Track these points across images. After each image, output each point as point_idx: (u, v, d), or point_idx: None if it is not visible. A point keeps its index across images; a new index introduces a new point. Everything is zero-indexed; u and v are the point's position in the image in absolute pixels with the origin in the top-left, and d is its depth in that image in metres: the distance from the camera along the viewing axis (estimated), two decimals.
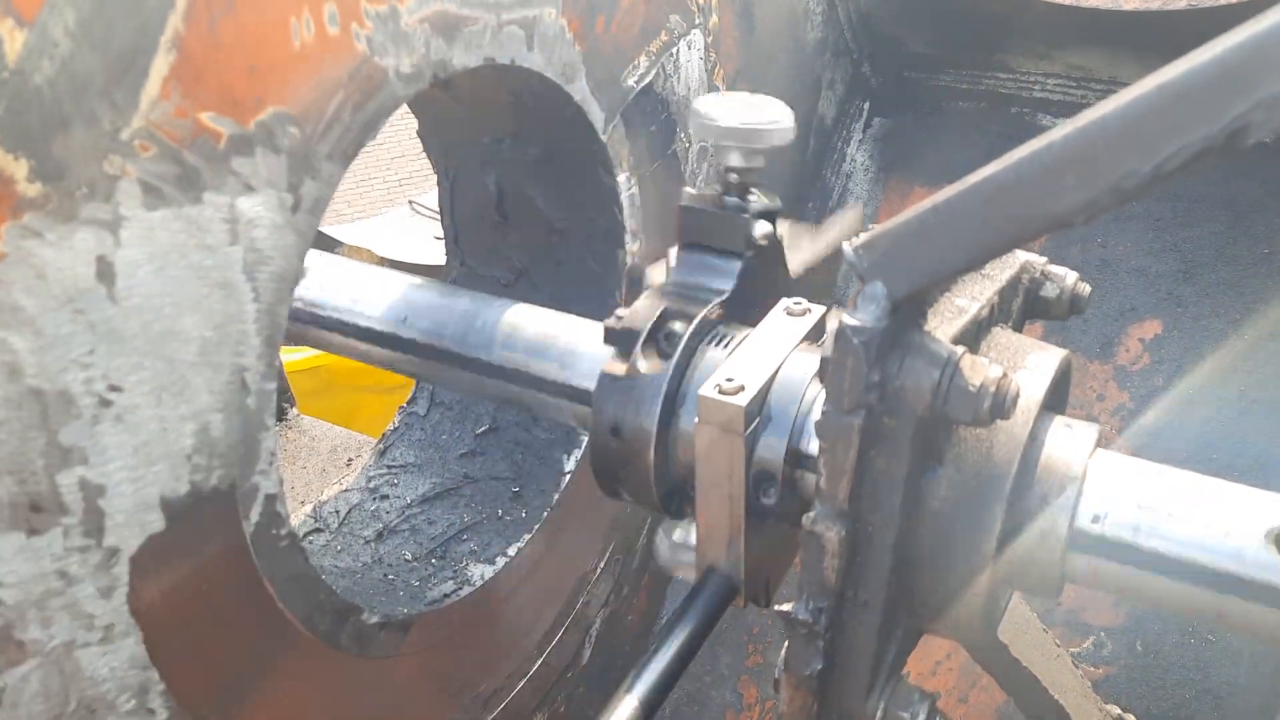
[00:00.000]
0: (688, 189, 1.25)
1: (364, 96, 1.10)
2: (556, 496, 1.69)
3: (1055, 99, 2.16)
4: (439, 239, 1.87)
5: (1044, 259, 1.15)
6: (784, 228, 1.29)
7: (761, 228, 1.22)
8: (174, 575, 1.03)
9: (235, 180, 0.98)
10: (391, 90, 1.13)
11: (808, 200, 2.30)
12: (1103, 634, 1.80)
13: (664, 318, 1.16)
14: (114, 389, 0.92)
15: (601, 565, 1.84)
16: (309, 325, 1.39)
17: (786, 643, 1.01)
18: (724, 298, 1.19)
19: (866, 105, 2.34)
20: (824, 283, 1.40)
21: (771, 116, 1.18)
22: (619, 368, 1.14)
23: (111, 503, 0.95)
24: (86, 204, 0.86)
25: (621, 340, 1.15)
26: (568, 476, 1.71)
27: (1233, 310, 1.91)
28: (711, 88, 1.79)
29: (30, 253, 0.83)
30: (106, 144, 0.86)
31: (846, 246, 0.91)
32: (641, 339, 1.14)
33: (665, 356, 1.14)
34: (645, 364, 1.13)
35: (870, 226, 0.93)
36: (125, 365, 0.93)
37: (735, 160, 1.20)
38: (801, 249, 1.34)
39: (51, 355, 0.87)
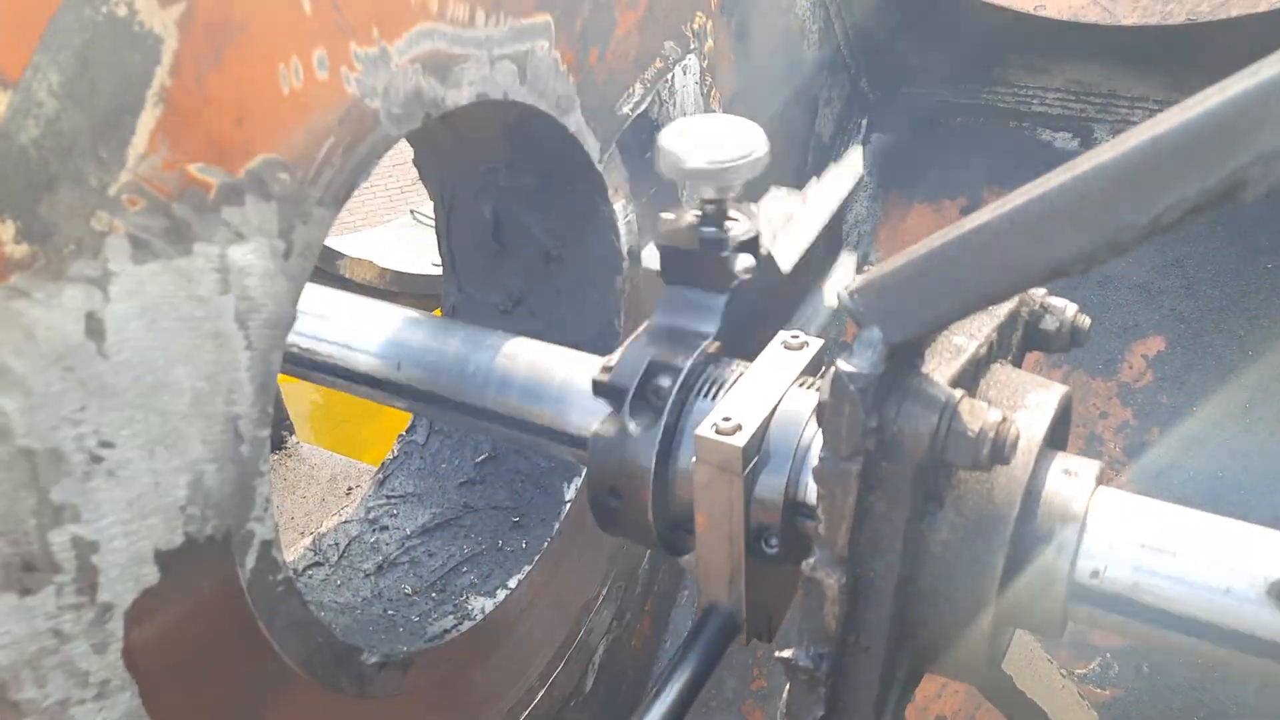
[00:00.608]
0: (665, 216, 1.22)
1: (355, 139, 1.09)
2: (557, 525, 1.68)
3: (1055, 113, 2.15)
4: (438, 265, 1.86)
5: (1043, 290, 1.14)
6: (774, 204, 1.25)
7: (742, 262, 1.20)
8: (169, 626, 1.02)
9: (226, 230, 0.97)
10: (383, 132, 1.12)
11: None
12: (1109, 655, 1.79)
13: (650, 371, 1.14)
14: (105, 445, 0.92)
15: (604, 592, 1.83)
16: (303, 367, 1.38)
17: (788, 688, 1.00)
18: (711, 338, 1.18)
19: (864, 121, 2.33)
20: (826, 252, 1.35)
21: (742, 149, 1.15)
22: (610, 428, 1.13)
23: (105, 558, 0.94)
24: (74, 261, 0.86)
25: (610, 394, 1.15)
26: (568, 505, 1.70)
27: (1236, 326, 1.90)
28: (708, 110, 1.78)
29: (18, 313, 0.83)
30: (94, 201, 0.86)
31: (842, 292, 0.90)
32: (629, 397, 1.13)
33: (655, 411, 1.13)
34: (635, 423, 1.12)
35: (870, 260, 0.92)
36: (117, 420, 0.92)
37: (709, 194, 1.18)
38: (795, 232, 1.30)
39: (41, 414, 0.86)
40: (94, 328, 0.88)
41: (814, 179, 1.36)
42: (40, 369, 0.85)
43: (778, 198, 1.28)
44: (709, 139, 1.14)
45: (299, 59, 1.01)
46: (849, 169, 1.42)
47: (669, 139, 1.15)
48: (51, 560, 0.89)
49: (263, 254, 1.02)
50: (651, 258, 1.27)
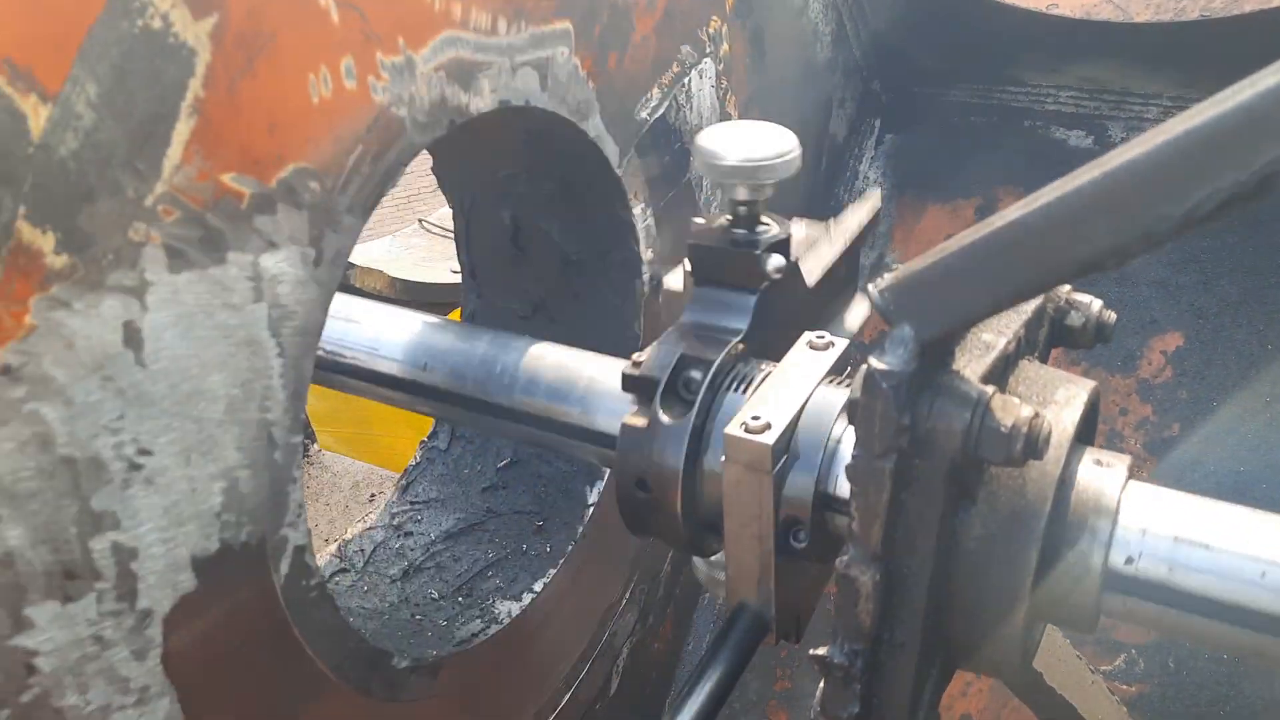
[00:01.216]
0: (696, 221, 1.24)
1: (382, 147, 1.10)
2: (581, 529, 1.69)
3: (1068, 111, 2.15)
4: (456, 272, 1.87)
5: (1068, 286, 1.14)
6: (799, 231, 1.28)
7: (774, 261, 1.21)
8: (206, 632, 1.03)
9: (258, 238, 0.98)
10: (409, 139, 1.13)
11: (821, 219, 2.30)
12: (1134, 652, 1.78)
13: (681, 364, 1.15)
14: (143, 452, 0.93)
15: (627, 595, 1.84)
16: (329, 372, 1.39)
17: (823, 685, 1.01)
18: (741, 336, 1.19)
19: (878, 122, 2.33)
20: (847, 278, 1.39)
21: (777, 148, 1.17)
22: (640, 420, 1.13)
23: (143, 565, 0.95)
24: (113, 272, 0.87)
25: (640, 388, 1.15)
26: (591, 509, 1.70)
27: (1255, 320, 1.89)
28: (724, 115, 1.79)
29: (59, 323, 0.84)
30: (131, 211, 0.87)
31: (871, 289, 0.90)
32: (660, 389, 1.13)
33: (685, 404, 1.14)
34: (666, 415, 1.13)
35: (888, 260, 0.93)
36: (154, 428, 0.93)
37: (742, 194, 1.19)
38: (818, 252, 1.33)
39: (82, 423, 0.87)
40: (132, 337, 0.89)
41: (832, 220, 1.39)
42: (80, 378, 0.86)
43: (801, 225, 1.30)
44: (744, 140, 1.16)
45: (328, 68, 1.02)
46: (868, 204, 1.44)
47: (706, 139, 1.17)
48: (92, 567, 0.90)
49: (294, 262, 1.03)
50: (675, 278, 1.28)
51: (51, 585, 0.87)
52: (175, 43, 0.88)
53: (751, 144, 1.16)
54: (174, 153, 0.89)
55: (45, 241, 0.81)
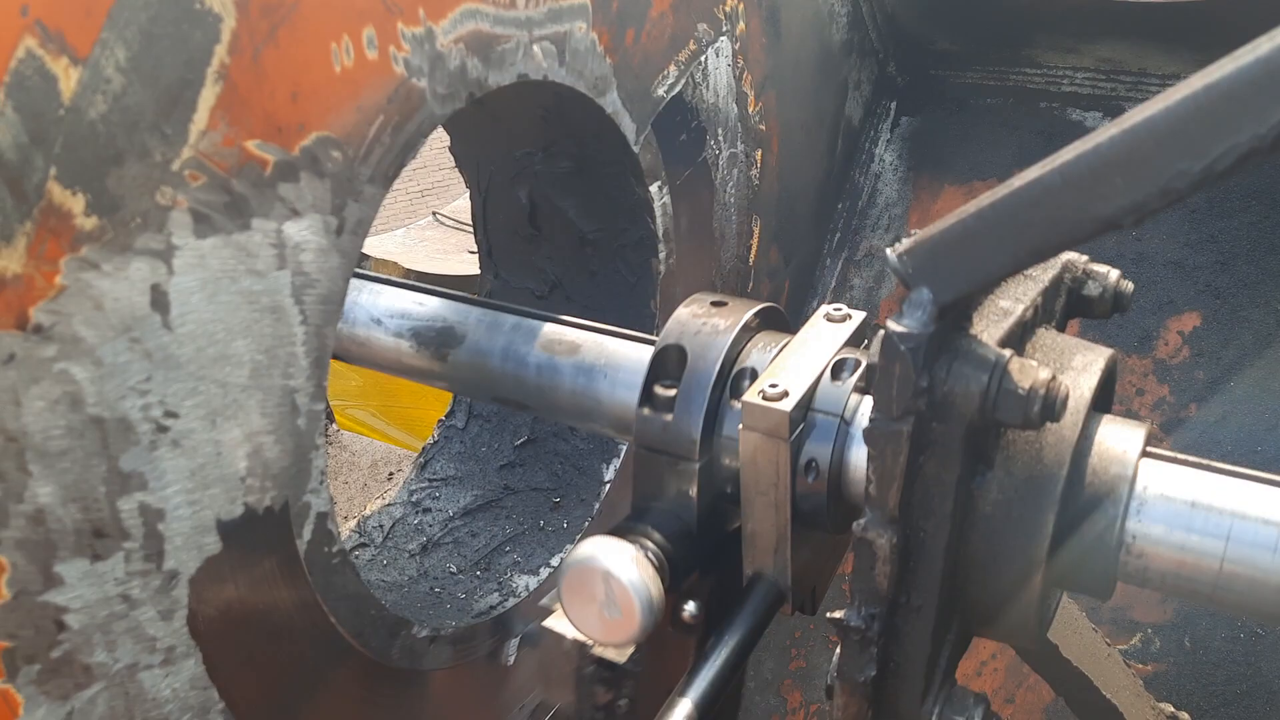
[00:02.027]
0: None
1: (403, 118, 1.11)
2: (597, 505, 1.70)
3: (1084, 93, 2.14)
4: (472, 253, 1.88)
5: (1085, 257, 1.14)
6: None
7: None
8: (230, 595, 1.04)
9: (281, 206, 0.99)
10: (429, 111, 1.14)
11: (836, 201, 2.30)
12: (1150, 631, 1.78)
13: None
14: (170, 415, 0.94)
15: None
16: (354, 345, 1.40)
17: (840, 649, 1.01)
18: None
19: (893, 105, 2.33)
20: None
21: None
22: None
23: (170, 526, 0.96)
24: (140, 234, 0.88)
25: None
26: (607, 485, 1.71)
27: (1273, 300, 1.89)
28: (740, 94, 1.79)
29: (88, 284, 0.85)
30: (158, 175, 0.88)
31: (890, 252, 0.91)
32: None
33: None
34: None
35: (911, 232, 0.93)
36: (181, 391, 0.94)
37: None
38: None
39: (110, 384, 0.88)
40: (159, 300, 0.91)
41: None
42: (109, 339, 0.88)
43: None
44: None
45: (350, 38, 1.03)
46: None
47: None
48: (120, 527, 0.92)
49: (317, 230, 1.04)
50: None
51: (81, 543, 0.89)
52: (201, 8, 0.89)
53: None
54: (200, 118, 0.90)
55: (75, 203, 0.83)
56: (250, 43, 0.93)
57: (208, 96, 0.91)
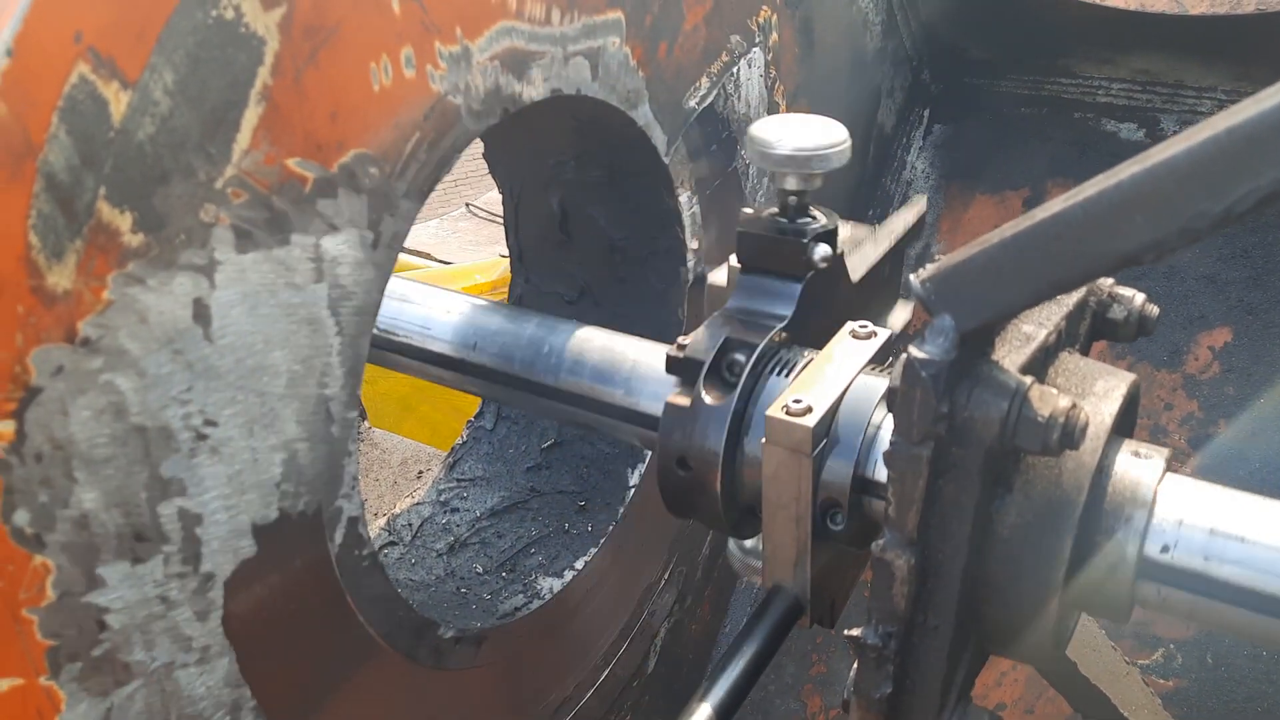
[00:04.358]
0: (745, 210, 1.27)
1: (439, 135, 1.14)
2: (622, 510, 1.72)
3: (1120, 104, 2.13)
4: (503, 255, 1.91)
5: (1111, 280, 1.15)
6: (845, 230, 1.30)
7: (820, 250, 1.23)
8: (264, 597, 1.08)
9: (320, 221, 1.02)
10: (464, 127, 1.17)
11: (867, 209, 2.30)
12: (1172, 646, 1.78)
13: (726, 347, 1.18)
14: (210, 423, 0.97)
15: (666, 576, 1.87)
16: (382, 350, 1.43)
17: (856, 665, 1.03)
18: (785, 323, 1.21)
19: (926, 113, 2.33)
20: (889, 280, 1.41)
21: (828, 138, 1.19)
22: (683, 399, 1.16)
23: (207, 530, 1.00)
24: (184, 250, 0.91)
25: (685, 370, 1.18)
26: (632, 490, 1.74)
27: None
28: (772, 104, 1.80)
29: (134, 299, 0.88)
30: (202, 194, 0.91)
31: (913, 279, 0.92)
32: (705, 370, 1.16)
33: (728, 386, 1.16)
34: (709, 395, 1.15)
35: (934, 250, 0.95)
36: (220, 400, 0.98)
37: (792, 184, 1.22)
38: (863, 251, 1.35)
39: (153, 394, 0.92)
40: (201, 313, 0.94)
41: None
42: (152, 351, 0.91)
43: (847, 225, 1.32)
44: (796, 130, 1.19)
45: (388, 57, 1.06)
46: (914, 208, 1.46)
47: (759, 129, 1.19)
48: (160, 531, 0.95)
49: (353, 244, 1.07)
50: (719, 274, 1.30)
51: (122, 546, 0.92)
52: (246, 32, 0.92)
53: (803, 135, 1.18)
54: (243, 138, 0.93)
55: (123, 221, 0.86)
56: (292, 65, 0.96)
57: (250, 117, 0.94)
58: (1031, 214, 0.84)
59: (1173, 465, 1.01)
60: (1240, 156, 0.70)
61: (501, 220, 1.83)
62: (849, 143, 1.19)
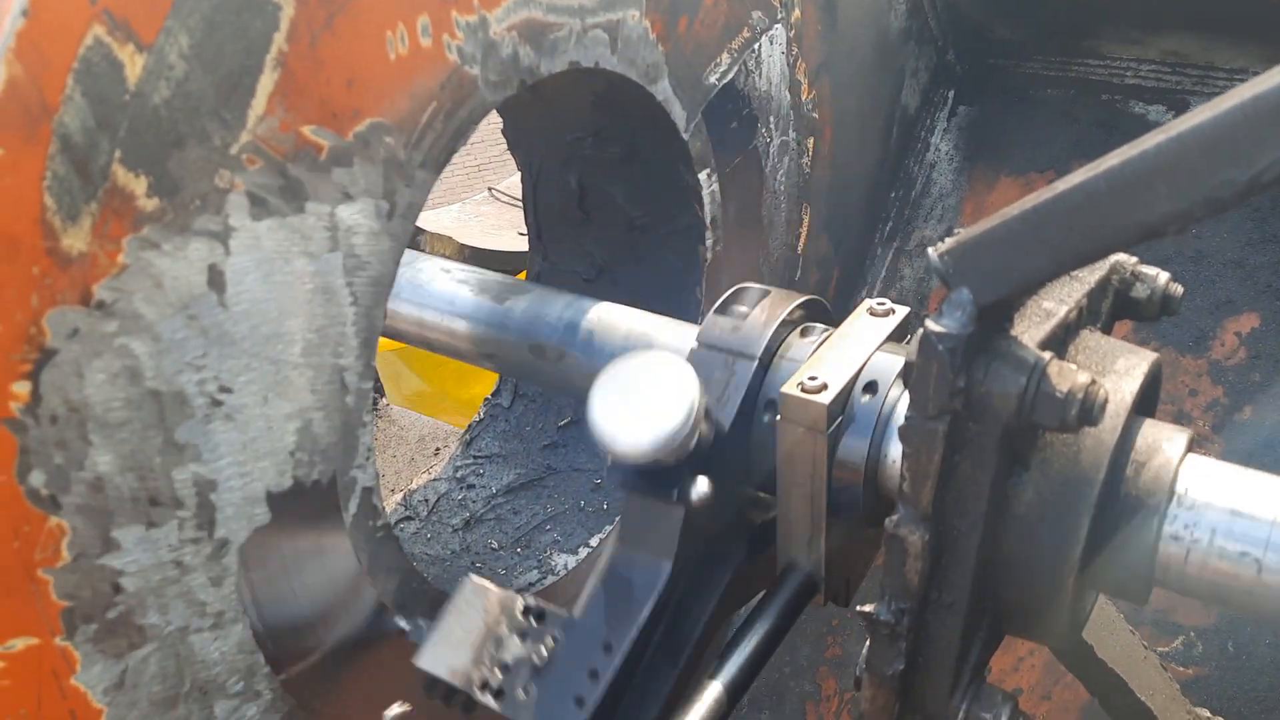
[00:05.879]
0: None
1: (455, 105, 1.13)
2: None
3: (1149, 85, 2.10)
4: (522, 235, 1.91)
5: (1134, 259, 1.13)
6: None
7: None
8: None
9: (335, 190, 1.02)
10: (481, 98, 1.16)
11: (890, 190, 2.28)
12: (1193, 634, 1.76)
13: None
14: (224, 390, 0.98)
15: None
16: (405, 324, 1.43)
17: (869, 642, 1.02)
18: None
19: (951, 94, 2.30)
20: None
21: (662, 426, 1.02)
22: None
23: (222, 497, 1.00)
24: (199, 216, 0.91)
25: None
26: None
27: None
28: (794, 81, 1.78)
29: (149, 263, 0.88)
30: (217, 159, 0.91)
31: (931, 252, 0.91)
32: None
33: None
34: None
35: (956, 231, 0.93)
36: (234, 367, 0.98)
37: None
38: None
39: (168, 359, 0.92)
40: (215, 279, 0.94)
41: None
42: (167, 316, 0.91)
43: None
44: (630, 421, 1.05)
45: (405, 26, 1.05)
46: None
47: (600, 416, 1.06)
48: (175, 496, 0.96)
49: (368, 214, 1.06)
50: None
51: (137, 510, 0.93)
52: None
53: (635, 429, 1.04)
54: (258, 104, 0.93)
55: (138, 185, 0.86)
56: (308, 31, 0.96)
57: (266, 83, 0.93)
58: (1053, 185, 0.82)
59: (1192, 444, 1.00)
60: (1266, 123, 0.68)
61: (522, 204, 1.82)
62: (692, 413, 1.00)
